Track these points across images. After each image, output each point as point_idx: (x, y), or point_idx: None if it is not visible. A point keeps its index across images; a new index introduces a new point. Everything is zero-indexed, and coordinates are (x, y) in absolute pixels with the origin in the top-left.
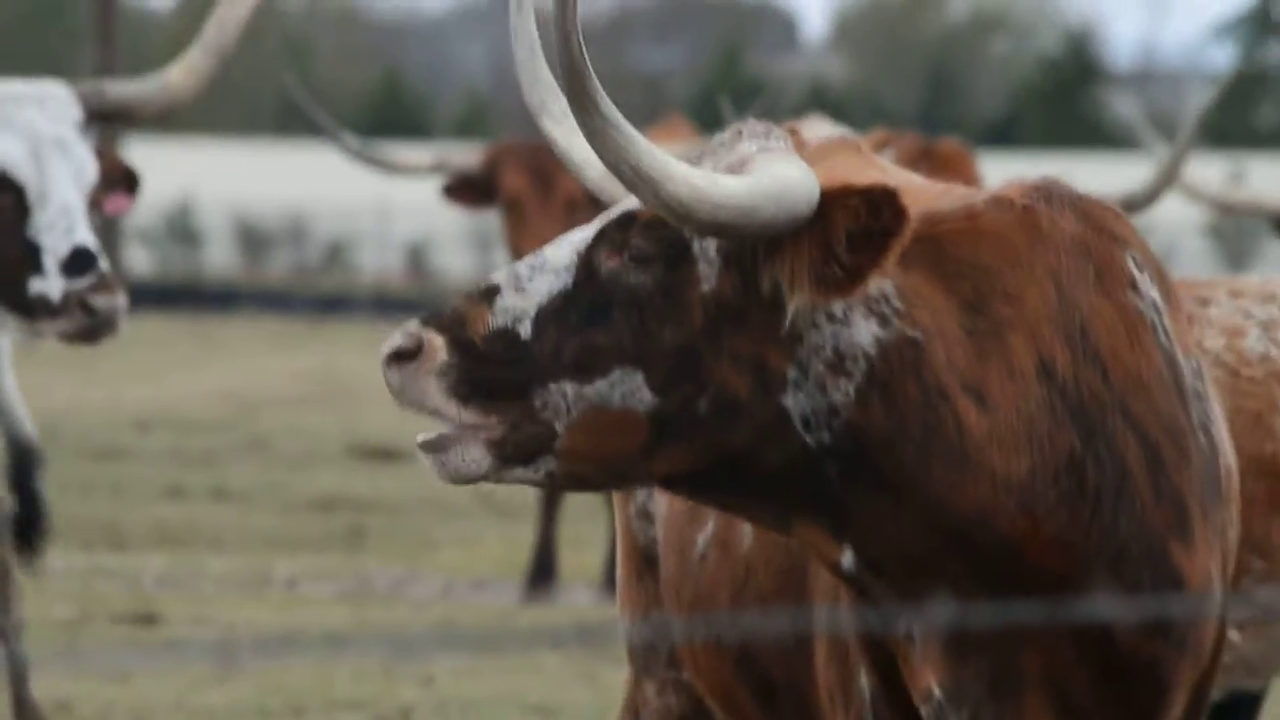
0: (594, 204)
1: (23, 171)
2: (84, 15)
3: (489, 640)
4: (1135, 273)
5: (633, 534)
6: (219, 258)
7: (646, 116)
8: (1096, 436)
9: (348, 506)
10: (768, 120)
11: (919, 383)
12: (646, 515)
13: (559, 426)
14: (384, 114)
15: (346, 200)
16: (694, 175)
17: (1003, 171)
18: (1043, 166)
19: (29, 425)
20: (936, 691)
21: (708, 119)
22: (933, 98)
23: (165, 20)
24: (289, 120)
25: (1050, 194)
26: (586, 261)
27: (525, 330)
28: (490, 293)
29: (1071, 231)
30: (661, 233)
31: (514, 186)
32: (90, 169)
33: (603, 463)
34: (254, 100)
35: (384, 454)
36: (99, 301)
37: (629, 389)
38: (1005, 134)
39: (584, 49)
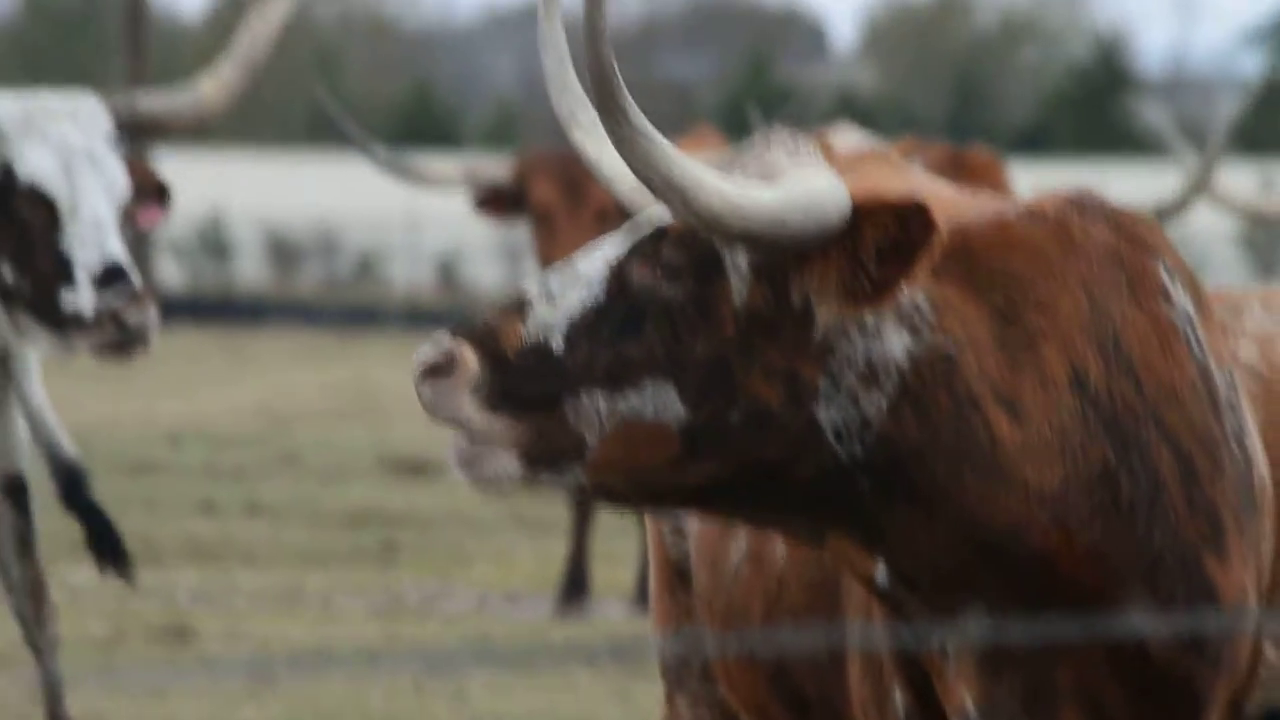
0: (624, 215)
1: (54, 185)
2: (114, 27)
3: (522, 656)
4: (1168, 283)
5: (665, 549)
6: (250, 270)
7: (675, 126)
8: (1130, 448)
9: (380, 521)
10: (796, 129)
11: (951, 393)
12: (679, 530)
13: (590, 438)
14: (414, 125)
15: (377, 212)
16: (724, 185)
17: (1032, 179)
18: (1072, 174)
19: (67, 441)
20: (971, 707)
21: (736, 128)
22: (962, 106)
23: (195, 32)
24: (319, 132)
25: (1082, 205)
26: (618, 274)
27: (557, 343)
28: (522, 305)
29: (1104, 242)
30: (693, 245)
31: (544, 198)
32: (121, 182)
33: (634, 475)
34: (284, 113)
35: (416, 468)
36: (130, 316)
37: (660, 401)
38: (1035, 141)
39: (613, 58)
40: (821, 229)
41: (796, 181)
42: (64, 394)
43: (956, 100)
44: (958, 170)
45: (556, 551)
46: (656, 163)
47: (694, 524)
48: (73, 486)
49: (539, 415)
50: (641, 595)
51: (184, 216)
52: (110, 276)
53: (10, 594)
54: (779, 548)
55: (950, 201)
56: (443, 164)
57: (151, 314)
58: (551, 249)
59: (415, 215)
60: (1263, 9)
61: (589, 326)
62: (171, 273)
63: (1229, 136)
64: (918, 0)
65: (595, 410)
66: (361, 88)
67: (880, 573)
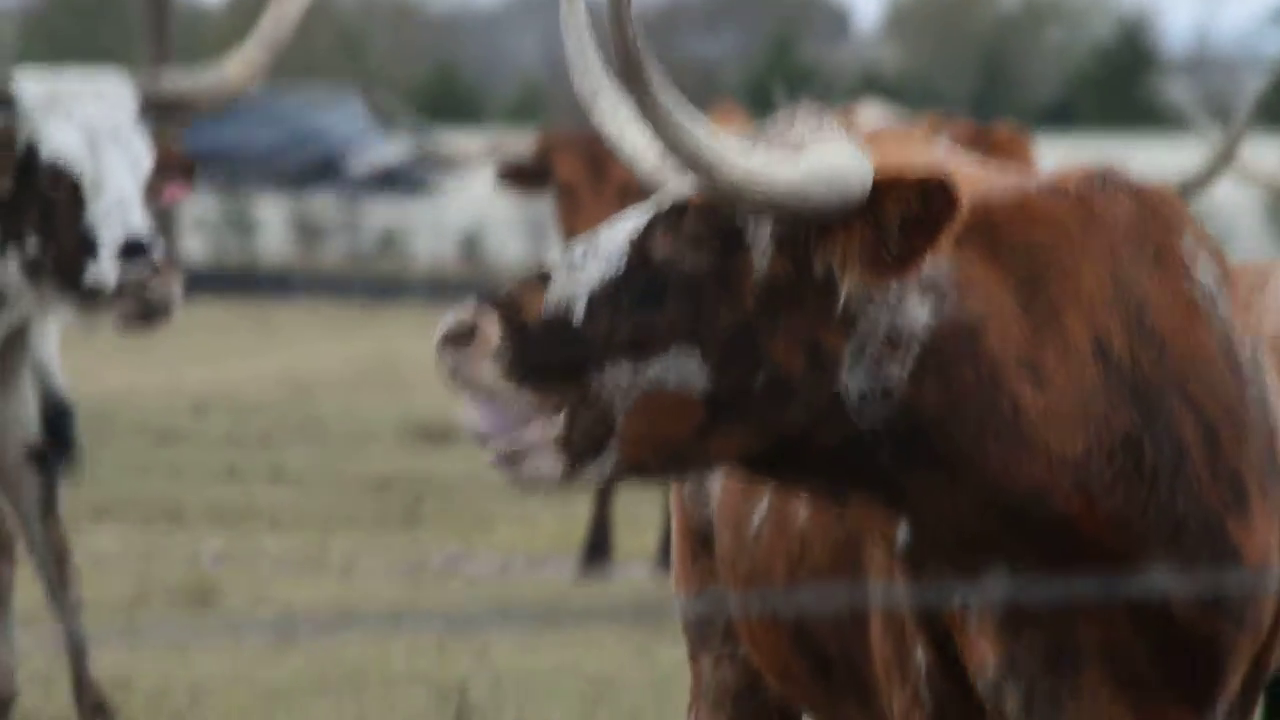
0: (646, 191)
1: (79, 162)
2: (137, 12)
3: (544, 615)
4: (1191, 255)
5: (687, 512)
6: (274, 244)
7: (699, 105)
8: (1153, 415)
9: (403, 486)
10: (821, 106)
11: (973, 362)
12: (701, 493)
13: (615, 411)
14: (438, 105)
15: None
16: (749, 158)
17: (1057, 156)
18: (1097, 150)
19: (62, 384)
20: (993, 666)
21: (761, 107)
22: (986, 86)
23: (218, 14)
24: None
25: (1105, 179)
26: (640, 246)
27: (579, 313)
28: (544, 276)
29: (1127, 215)
30: (715, 217)
31: (567, 173)
32: (146, 159)
33: (660, 447)
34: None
35: (439, 434)
36: (153, 287)
37: (683, 371)
38: (1059, 118)
39: (638, 31)
40: (844, 201)
41: (820, 154)
42: (90, 363)
43: (981, 80)
44: (982, 146)
45: (579, 515)
46: (682, 135)
47: (716, 487)
48: (59, 419)
49: (561, 385)
50: (664, 558)
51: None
52: (133, 249)
53: (33, 556)
54: (801, 509)
55: (973, 175)
56: (467, 140)
57: (174, 286)
58: (575, 223)
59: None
60: None
61: (611, 297)
62: (196, 247)
63: (1254, 112)
64: None
65: (618, 381)
66: (385, 69)
67: (902, 533)
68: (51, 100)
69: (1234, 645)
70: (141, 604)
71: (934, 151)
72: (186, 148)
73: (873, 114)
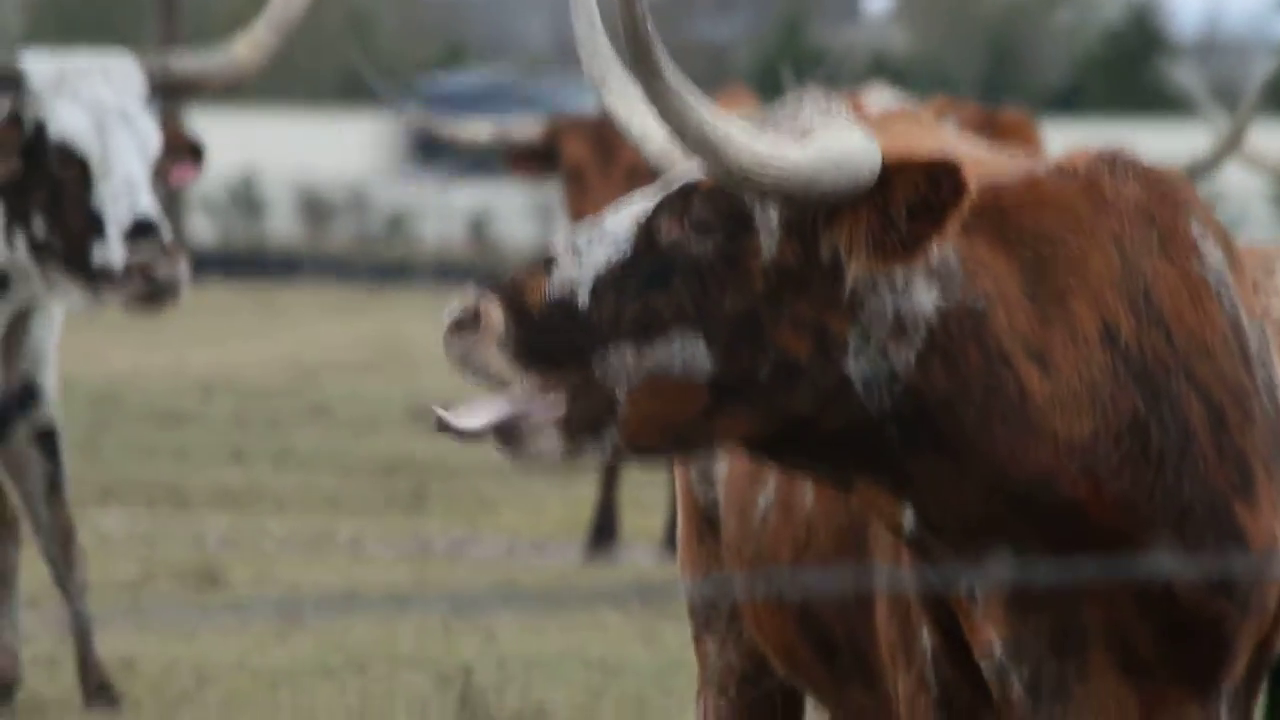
0: (655, 174)
1: (87, 143)
2: None
3: (550, 597)
4: (1199, 239)
5: (693, 495)
6: (282, 227)
7: (708, 87)
8: (1160, 399)
9: (409, 469)
10: (829, 90)
11: (980, 348)
12: (707, 477)
13: (619, 394)
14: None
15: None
16: (757, 141)
17: (1065, 139)
18: (1105, 133)
19: (51, 375)
20: (998, 648)
21: (770, 89)
22: (995, 68)
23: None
24: (352, 93)
25: (1114, 162)
26: (647, 230)
27: (583, 297)
28: (548, 261)
29: (1135, 198)
30: (722, 201)
31: (575, 156)
32: (154, 140)
33: (665, 431)
34: (317, 74)
35: None
36: (160, 269)
37: (689, 354)
38: (1068, 102)
39: (647, 14)
40: (853, 185)
41: (828, 138)
42: (96, 345)
43: (990, 63)
44: (991, 130)
45: (585, 498)
46: (690, 118)
47: (722, 471)
48: (24, 398)
49: (567, 370)
50: (670, 541)
51: (216, 174)
52: (140, 231)
53: (39, 538)
54: (807, 494)
55: (981, 159)
56: (474, 124)
57: (181, 267)
58: (582, 207)
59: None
60: None
61: (616, 281)
62: (204, 229)
63: (1262, 97)
64: None
65: (623, 365)
66: (394, 49)
67: (908, 518)
68: (59, 81)
69: (1238, 629)
70: (146, 586)
71: (941, 135)
72: None
73: (881, 98)
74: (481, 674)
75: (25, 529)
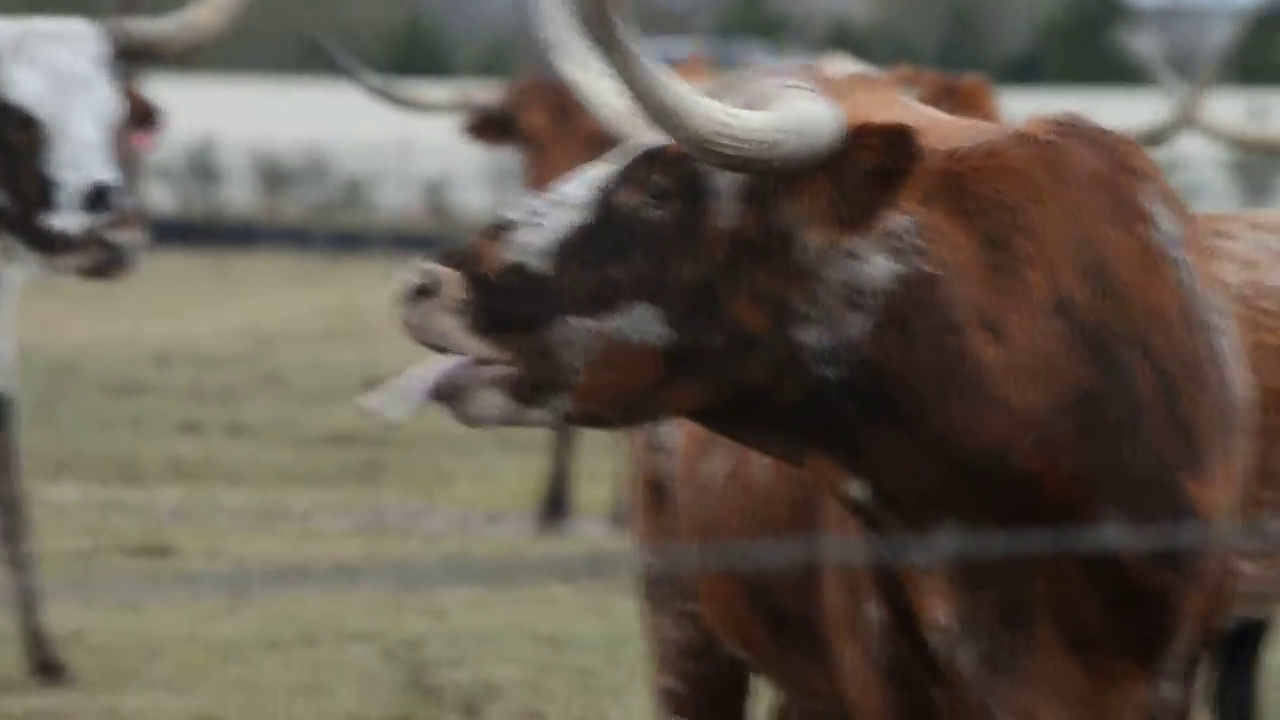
0: (614, 142)
1: (42, 107)
2: None
3: (499, 571)
4: (1155, 207)
5: (645, 465)
6: (239, 195)
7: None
8: (1113, 370)
9: (363, 441)
10: (789, 58)
11: (936, 318)
12: (657, 448)
13: (575, 363)
14: (407, 55)
15: (367, 138)
16: (716, 109)
17: (1025, 108)
18: (1065, 103)
19: (6, 347)
20: (946, 621)
21: (729, 57)
22: (956, 36)
23: None
24: (310, 60)
25: (1072, 129)
26: (604, 197)
27: (540, 265)
28: (504, 228)
29: (1092, 166)
30: (681, 169)
31: (535, 123)
32: (112, 106)
33: (617, 399)
34: (276, 41)
35: None
36: (117, 237)
37: (644, 324)
38: (1028, 71)
39: None
40: (813, 153)
41: (788, 106)
42: (52, 314)
43: (951, 31)
44: (950, 98)
45: (540, 470)
46: (650, 87)
47: (674, 442)
48: None
49: (523, 338)
50: (620, 513)
51: (174, 142)
52: (97, 198)
53: None
54: (759, 465)
55: (940, 127)
56: (435, 90)
57: (138, 235)
58: (541, 174)
59: (406, 142)
60: None
61: (573, 249)
62: (161, 196)
63: (1220, 66)
64: None
65: (579, 334)
66: (354, 17)
67: (859, 490)
68: (16, 45)
69: (1184, 601)
70: (96, 558)
71: (899, 102)
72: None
73: (842, 67)
74: (431, 648)
75: None
